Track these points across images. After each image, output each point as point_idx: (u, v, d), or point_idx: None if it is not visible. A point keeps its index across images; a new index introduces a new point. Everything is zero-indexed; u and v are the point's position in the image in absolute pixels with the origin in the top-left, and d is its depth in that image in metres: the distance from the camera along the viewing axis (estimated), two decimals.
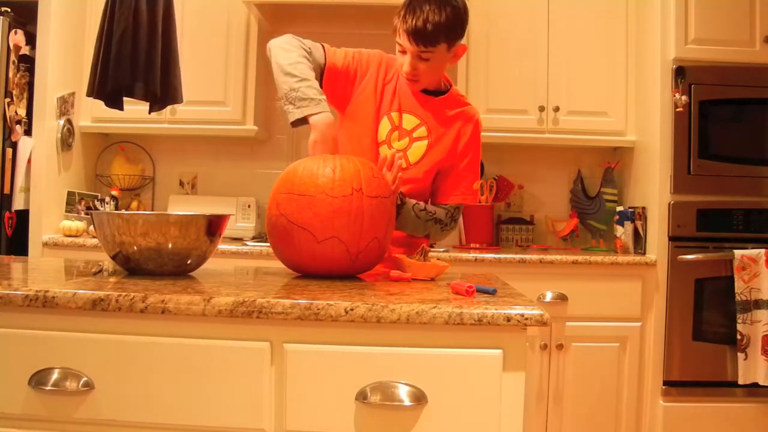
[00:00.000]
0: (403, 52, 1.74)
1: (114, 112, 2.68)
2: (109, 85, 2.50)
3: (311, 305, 1.15)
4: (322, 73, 1.80)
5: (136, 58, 2.50)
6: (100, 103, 2.69)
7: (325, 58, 1.80)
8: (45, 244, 2.93)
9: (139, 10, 2.50)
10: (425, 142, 1.85)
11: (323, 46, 1.82)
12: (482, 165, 3.35)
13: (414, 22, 1.65)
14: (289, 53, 1.72)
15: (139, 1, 2.50)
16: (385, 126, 1.85)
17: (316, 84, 1.71)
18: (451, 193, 1.90)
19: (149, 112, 2.74)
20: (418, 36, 1.66)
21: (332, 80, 1.81)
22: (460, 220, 3.29)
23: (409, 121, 1.85)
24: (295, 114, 1.65)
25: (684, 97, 2.81)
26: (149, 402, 1.18)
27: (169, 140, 3.50)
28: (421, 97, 1.86)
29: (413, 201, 1.81)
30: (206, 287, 1.30)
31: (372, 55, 1.88)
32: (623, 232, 3.04)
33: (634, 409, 2.86)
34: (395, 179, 1.62)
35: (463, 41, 1.79)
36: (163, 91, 2.60)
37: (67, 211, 3.12)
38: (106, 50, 2.50)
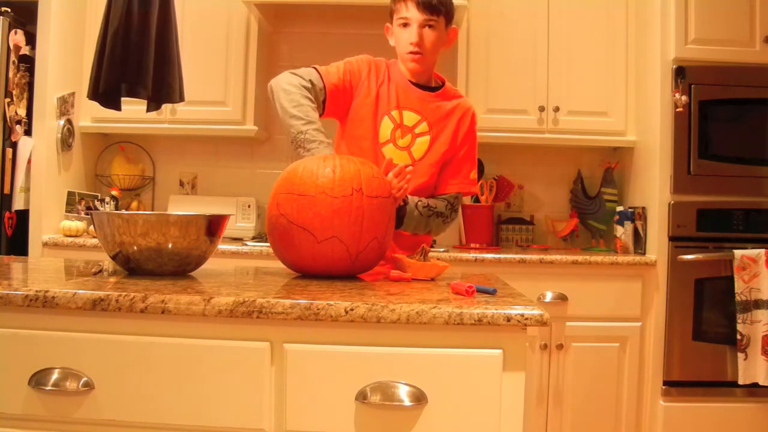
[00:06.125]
0: (405, 25, 1.83)
1: (114, 112, 2.68)
2: (101, 86, 2.50)
3: (311, 305, 1.15)
4: (324, 96, 1.85)
5: (126, 57, 2.50)
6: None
7: (323, 82, 1.86)
8: (45, 244, 2.93)
9: (132, 9, 2.50)
10: (427, 137, 1.89)
11: (317, 70, 1.87)
12: (482, 165, 3.38)
13: None
14: (291, 95, 1.78)
15: (132, 1, 2.50)
16: (387, 125, 1.88)
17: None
18: (449, 183, 1.94)
19: (146, 111, 2.74)
20: (426, 4, 1.79)
21: (335, 98, 1.87)
22: (460, 219, 3.29)
23: (409, 117, 1.89)
24: (306, 157, 1.69)
25: (684, 97, 2.81)
26: (149, 402, 1.18)
27: (169, 140, 3.50)
28: (419, 93, 1.91)
29: (415, 198, 1.83)
30: (206, 287, 1.30)
31: (360, 61, 1.94)
32: (623, 232, 3.04)
33: (634, 409, 2.86)
34: (401, 189, 1.66)
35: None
36: (157, 90, 2.59)
37: (67, 211, 3.12)
38: (100, 51, 2.51)
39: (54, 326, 1.20)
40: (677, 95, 2.82)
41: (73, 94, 3.16)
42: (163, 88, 2.61)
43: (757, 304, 2.69)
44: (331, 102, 1.86)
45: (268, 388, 1.18)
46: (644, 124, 3.06)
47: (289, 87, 1.79)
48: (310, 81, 1.82)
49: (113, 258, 1.49)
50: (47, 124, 2.99)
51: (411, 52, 1.84)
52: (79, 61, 3.20)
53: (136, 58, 2.52)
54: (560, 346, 2.84)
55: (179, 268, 1.49)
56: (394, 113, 1.88)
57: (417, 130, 1.89)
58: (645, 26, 3.07)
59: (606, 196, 3.26)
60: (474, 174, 1.97)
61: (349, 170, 1.50)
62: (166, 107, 3.13)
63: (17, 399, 1.18)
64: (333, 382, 1.16)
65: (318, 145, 1.70)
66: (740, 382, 2.70)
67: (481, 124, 3.13)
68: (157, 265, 1.46)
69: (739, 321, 2.70)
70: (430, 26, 1.82)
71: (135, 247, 1.42)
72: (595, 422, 2.86)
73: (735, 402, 2.77)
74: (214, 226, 1.49)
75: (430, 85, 1.93)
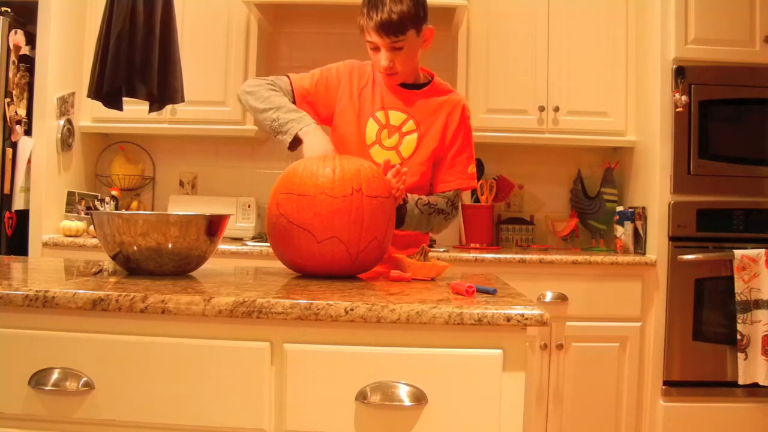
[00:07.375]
0: (376, 49, 1.80)
1: (114, 112, 2.68)
2: (106, 86, 2.50)
3: (311, 305, 1.15)
4: (292, 99, 1.86)
5: (132, 58, 2.51)
6: (100, 103, 2.70)
7: (292, 86, 1.87)
8: (45, 244, 2.93)
9: (137, 10, 2.50)
10: (415, 135, 1.88)
11: (288, 76, 1.89)
12: (482, 165, 3.38)
13: (379, 16, 1.72)
14: (256, 94, 1.81)
15: (137, 1, 2.51)
16: (372, 127, 1.88)
17: (292, 105, 1.79)
18: (447, 179, 1.92)
19: (149, 112, 2.74)
20: (386, 28, 1.73)
21: (307, 103, 1.88)
22: (460, 219, 3.29)
23: (395, 117, 1.89)
24: (286, 139, 1.72)
25: (684, 97, 2.81)
26: (149, 402, 1.18)
27: (169, 140, 3.50)
28: (404, 92, 1.90)
29: (415, 197, 1.83)
30: (206, 287, 1.30)
31: (341, 66, 1.94)
32: (623, 232, 3.04)
33: (634, 409, 2.86)
34: (398, 190, 1.65)
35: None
36: (161, 90, 2.60)
37: (67, 211, 3.12)
38: (104, 51, 2.51)
39: (54, 326, 1.20)
40: (677, 95, 2.82)
41: (73, 94, 3.16)
42: (167, 88, 2.61)
43: (757, 304, 2.69)
44: (301, 106, 1.85)
45: (268, 388, 1.18)
46: (644, 124, 3.06)
47: (252, 88, 1.83)
48: (273, 81, 1.84)
49: (113, 258, 1.49)
50: (47, 124, 2.99)
51: (385, 74, 1.84)
52: (79, 61, 3.20)
53: (142, 58, 2.52)
54: (560, 346, 2.84)
55: (179, 268, 1.49)
56: (379, 114, 1.88)
57: (404, 129, 1.88)
58: (645, 26, 3.07)
59: (606, 196, 3.26)
60: (472, 168, 1.95)
61: (349, 170, 1.50)
62: (166, 107, 3.13)
63: (17, 399, 1.18)
64: (333, 382, 1.16)
65: (292, 124, 1.71)
66: (740, 382, 2.70)
67: (481, 124, 3.16)
68: (157, 265, 1.46)
69: (739, 321, 2.70)
70: (397, 48, 1.77)
71: (135, 247, 1.42)
72: (595, 422, 2.86)
73: (735, 402, 2.77)
74: (214, 226, 1.49)
75: (418, 82, 1.92)
